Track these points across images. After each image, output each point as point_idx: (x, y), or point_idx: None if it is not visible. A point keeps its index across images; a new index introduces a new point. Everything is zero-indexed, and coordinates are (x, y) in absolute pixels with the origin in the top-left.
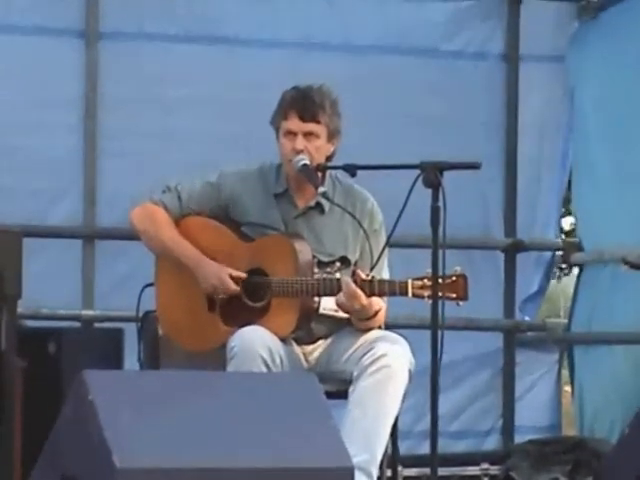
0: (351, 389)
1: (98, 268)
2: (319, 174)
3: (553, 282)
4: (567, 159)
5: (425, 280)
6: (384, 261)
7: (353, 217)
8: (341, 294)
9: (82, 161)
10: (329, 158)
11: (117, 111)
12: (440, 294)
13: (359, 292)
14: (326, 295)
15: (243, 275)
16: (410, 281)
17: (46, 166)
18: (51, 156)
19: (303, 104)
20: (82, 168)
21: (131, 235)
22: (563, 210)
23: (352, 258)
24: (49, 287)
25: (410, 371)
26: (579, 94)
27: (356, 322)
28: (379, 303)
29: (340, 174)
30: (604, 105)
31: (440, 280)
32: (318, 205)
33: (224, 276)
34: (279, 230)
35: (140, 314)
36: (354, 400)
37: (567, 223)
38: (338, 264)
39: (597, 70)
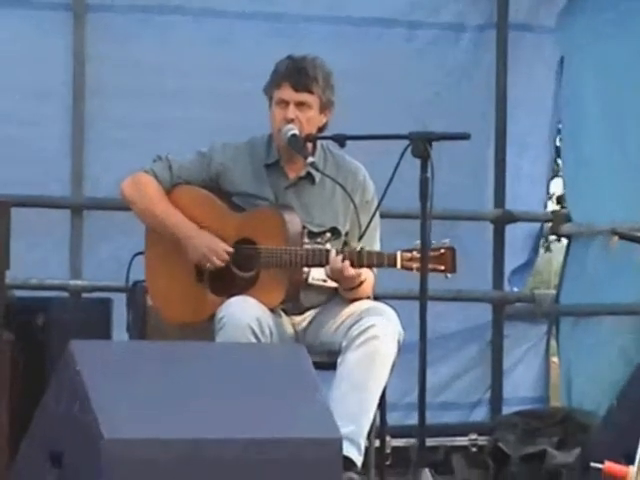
0: (339, 360)
1: (87, 240)
2: (309, 144)
3: (542, 253)
4: (555, 132)
5: (414, 252)
6: (376, 232)
7: (344, 190)
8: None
9: (72, 150)
10: (321, 129)
11: (110, 98)
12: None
13: (346, 269)
14: (315, 266)
15: (230, 249)
16: (399, 253)
17: (37, 156)
18: (43, 145)
19: (297, 74)
20: (72, 157)
21: (121, 206)
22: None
23: (342, 229)
24: (38, 259)
25: (399, 342)
26: (571, 67)
27: (343, 291)
28: (366, 273)
29: (332, 145)
30: (596, 79)
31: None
32: (309, 176)
33: (215, 246)
34: (269, 200)
35: (129, 284)
36: (342, 371)
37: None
38: (328, 235)
39: (589, 43)
